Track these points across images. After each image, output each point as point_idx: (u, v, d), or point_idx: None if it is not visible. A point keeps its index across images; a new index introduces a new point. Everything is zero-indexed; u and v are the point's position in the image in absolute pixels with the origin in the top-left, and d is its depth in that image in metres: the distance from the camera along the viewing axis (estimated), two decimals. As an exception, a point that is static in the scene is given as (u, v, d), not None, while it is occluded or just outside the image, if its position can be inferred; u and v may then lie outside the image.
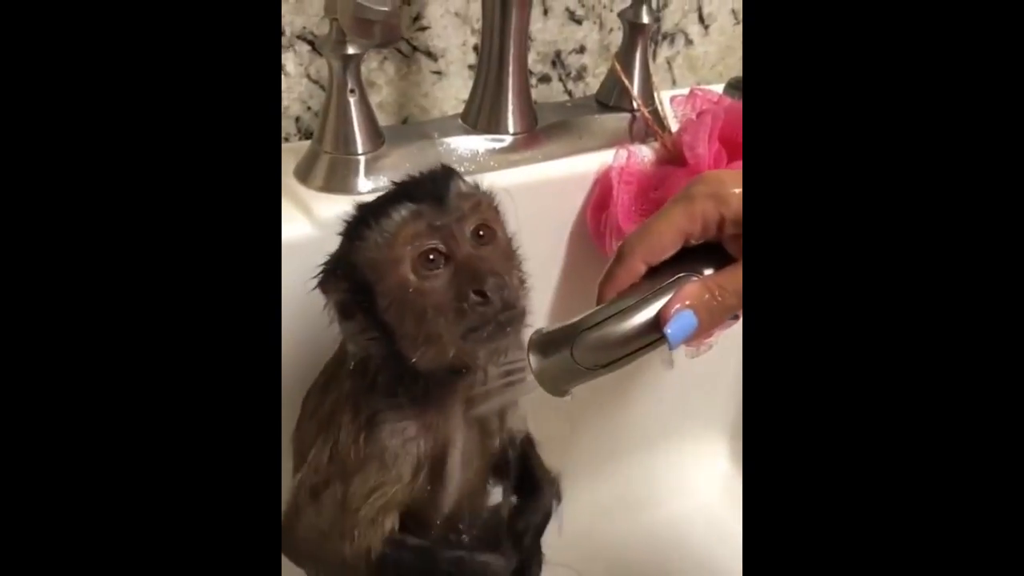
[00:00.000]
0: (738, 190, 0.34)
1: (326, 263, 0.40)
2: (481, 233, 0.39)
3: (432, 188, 0.39)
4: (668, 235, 0.35)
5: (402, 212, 0.38)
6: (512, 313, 0.38)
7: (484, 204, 0.40)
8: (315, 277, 0.40)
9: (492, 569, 0.43)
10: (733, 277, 0.34)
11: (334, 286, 0.40)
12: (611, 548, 0.68)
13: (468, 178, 0.41)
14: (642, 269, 0.36)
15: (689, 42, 0.73)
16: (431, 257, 0.38)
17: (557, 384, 0.36)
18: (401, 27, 0.41)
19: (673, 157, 0.58)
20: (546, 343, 0.36)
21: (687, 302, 0.34)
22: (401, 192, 0.39)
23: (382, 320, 0.39)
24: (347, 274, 0.39)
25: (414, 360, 0.39)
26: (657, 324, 0.34)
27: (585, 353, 0.35)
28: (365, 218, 0.39)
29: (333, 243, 0.49)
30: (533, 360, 0.36)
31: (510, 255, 0.41)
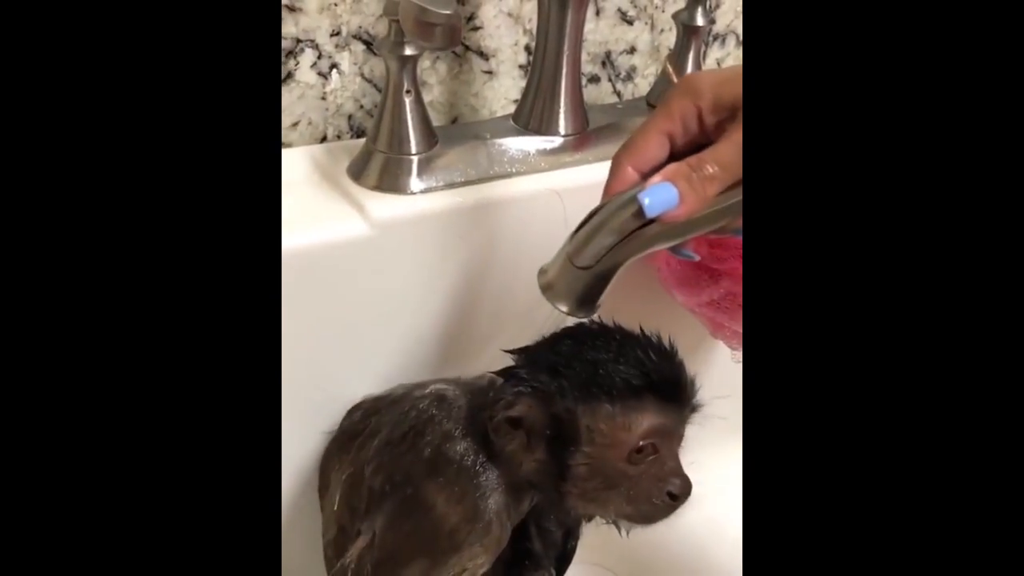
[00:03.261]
0: (708, 80, 0.36)
1: (529, 384, 0.40)
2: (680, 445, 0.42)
3: (677, 389, 0.40)
4: (651, 137, 0.37)
5: (649, 409, 0.39)
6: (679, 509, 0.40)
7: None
8: (514, 395, 0.40)
9: None
10: (714, 151, 0.35)
11: (533, 408, 0.40)
12: (646, 548, 0.68)
13: None
14: (633, 176, 0.37)
15: (740, 43, 0.72)
16: (643, 450, 0.39)
17: (571, 299, 0.37)
18: (462, 30, 0.41)
19: (724, 161, 0.58)
20: (548, 264, 0.37)
21: (665, 177, 0.35)
22: (647, 380, 0.39)
23: (565, 464, 0.40)
24: (557, 424, 0.39)
25: (568, 503, 0.41)
26: (640, 207, 0.34)
27: (581, 253, 0.36)
28: (607, 389, 0.39)
29: (387, 242, 0.49)
30: (541, 282, 0.37)
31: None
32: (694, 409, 0.41)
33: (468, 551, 0.41)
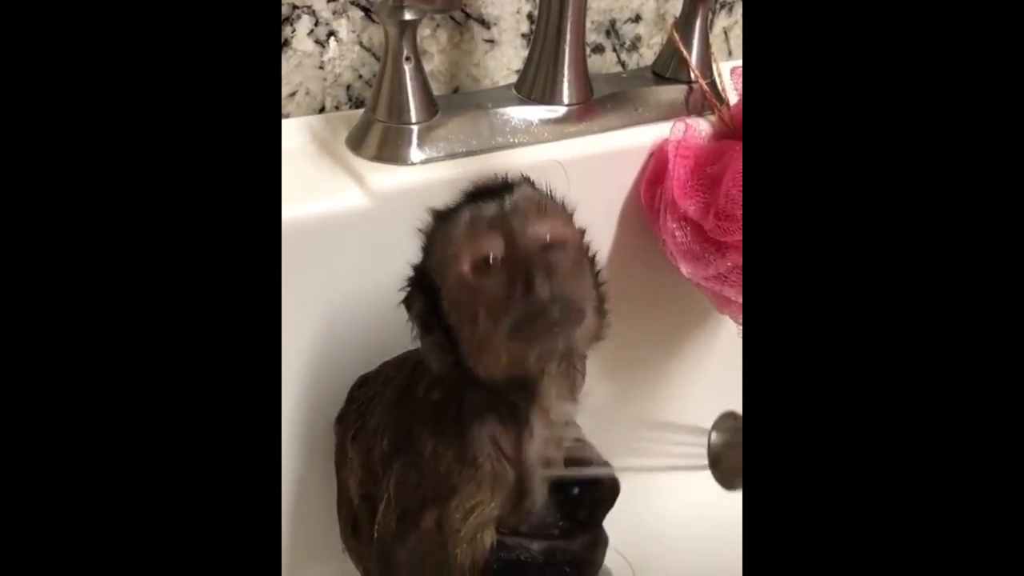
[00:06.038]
0: None
1: (410, 278, 0.41)
2: (549, 239, 0.38)
3: (496, 189, 0.39)
4: None
5: (465, 212, 0.38)
6: (562, 309, 0.36)
7: (552, 209, 0.39)
8: (402, 289, 0.40)
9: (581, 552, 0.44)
10: None
11: (414, 299, 0.40)
12: (655, 533, 0.67)
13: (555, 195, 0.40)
14: None
15: (747, 12, 0.70)
16: (489, 258, 0.37)
17: (730, 479, 0.35)
18: (463, -8, 0.40)
19: (731, 131, 0.56)
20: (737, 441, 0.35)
21: None
22: (467, 195, 0.39)
23: (447, 327, 0.38)
24: (420, 283, 0.39)
25: (475, 370, 0.38)
26: None
27: None
28: (435, 223, 0.40)
29: (386, 214, 0.48)
30: (715, 441, 0.35)
31: (580, 263, 0.40)
32: (525, 203, 0.38)
33: (465, 490, 0.41)
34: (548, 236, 0.38)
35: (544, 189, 0.40)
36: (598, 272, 0.41)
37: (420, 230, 0.41)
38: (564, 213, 0.40)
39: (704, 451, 0.34)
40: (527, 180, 0.40)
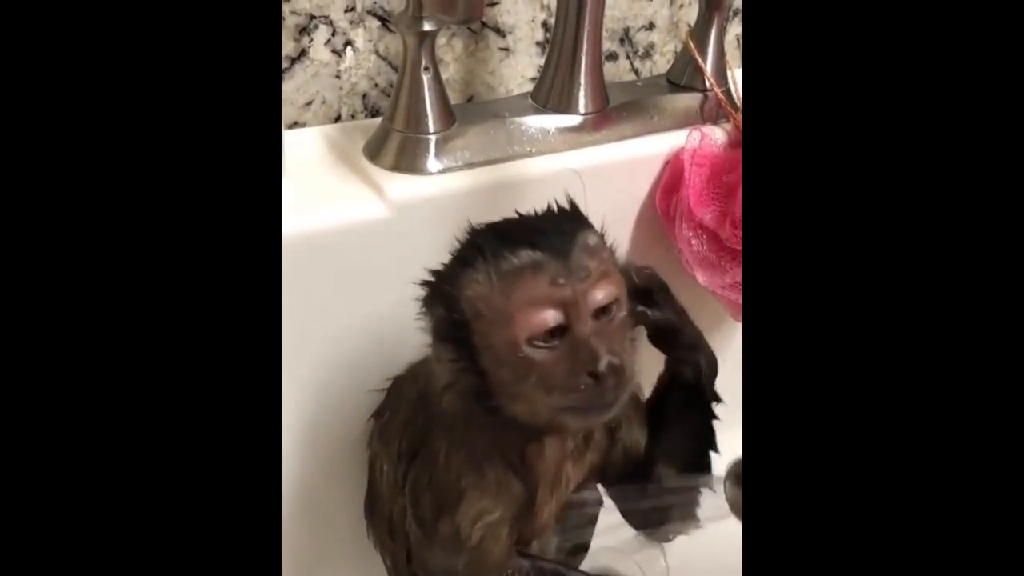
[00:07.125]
0: None
1: (429, 281, 0.38)
2: (605, 303, 0.36)
3: (558, 238, 0.36)
4: None
5: (522, 257, 0.35)
6: (616, 383, 0.35)
7: (610, 265, 0.37)
8: (420, 284, 0.39)
9: None
10: None
11: (433, 306, 0.38)
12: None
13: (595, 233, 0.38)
14: None
15: (760, 19, 0.70)
16: (546, 331, 0.35)
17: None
18: (484, 2, 0.40)
19: (747, 139, 0.56)
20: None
21: None
22: (523, 229, 0.36)
23: (475, 356, 0.36)
24: (446, 302, 0.37)
25: (500, 408, 0.37)
26: None
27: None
28: (479, 246, 0.36)
29: (405, 223, 0.48)
30: (731, 491, 0.37)
31: (627, 325, 0.38)
32: (588, 259, 0.35)
33: (469, 497, 0.40)
34: (605, 300, 0.36)
35: (600, 233, 0.38)
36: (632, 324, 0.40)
37: (459, 241, 0.38)
38: (614, 262, 0.38)
39: (722, 502, 0.37)
40: (586, 222, 0.38)
